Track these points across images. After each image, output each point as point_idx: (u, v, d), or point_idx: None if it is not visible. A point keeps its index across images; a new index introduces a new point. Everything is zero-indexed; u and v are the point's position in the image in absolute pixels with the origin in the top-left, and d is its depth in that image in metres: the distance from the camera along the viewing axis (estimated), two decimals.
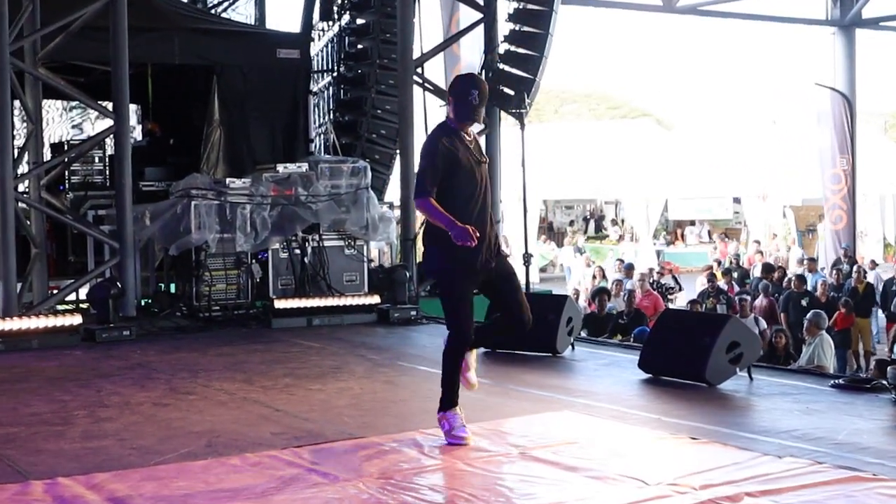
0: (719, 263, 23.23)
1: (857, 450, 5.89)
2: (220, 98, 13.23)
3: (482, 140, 14.65)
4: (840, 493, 5.07)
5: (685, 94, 53.17)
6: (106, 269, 11.29)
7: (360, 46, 15.62)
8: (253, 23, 16.71)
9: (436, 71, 16.21)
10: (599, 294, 15.22)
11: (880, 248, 30.96)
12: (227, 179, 11.94)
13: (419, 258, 13.22)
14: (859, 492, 5.08)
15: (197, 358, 9.40)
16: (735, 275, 20.09)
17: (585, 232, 33.77)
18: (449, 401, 6.12)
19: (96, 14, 11.13)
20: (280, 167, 12.11)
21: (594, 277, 21.20)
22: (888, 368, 7.39)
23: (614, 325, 14.24)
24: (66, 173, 12.94)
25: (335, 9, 15.92)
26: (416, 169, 6.16)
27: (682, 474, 5.32)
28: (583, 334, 11.53)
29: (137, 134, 15.93)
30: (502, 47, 14.48)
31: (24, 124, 12.15)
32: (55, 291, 11.57)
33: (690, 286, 20.34)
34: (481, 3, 14.83)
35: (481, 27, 14.88)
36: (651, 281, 18.40)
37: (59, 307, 11.17)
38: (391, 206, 13.80)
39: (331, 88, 16.48)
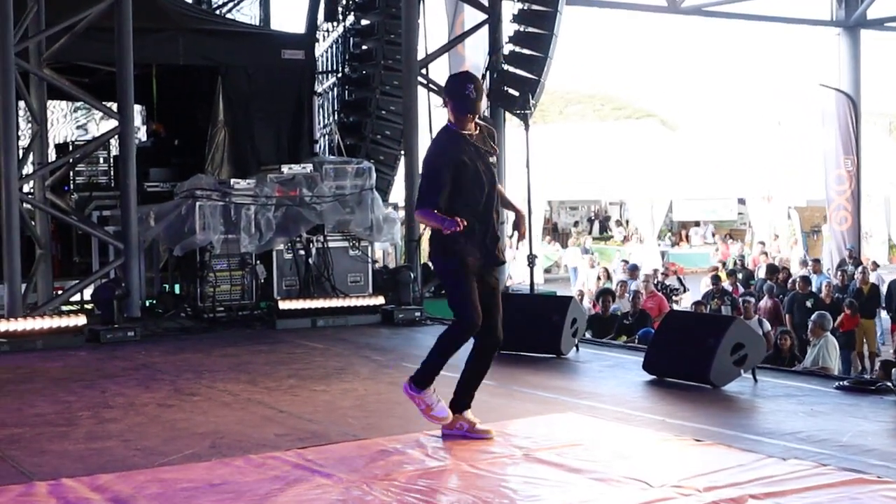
0: (724, 265, 23.21)
1: (862, 452, 5.88)
2: (225, 99, 13.24)
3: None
4: (844, 495, 5.06)
5: (690, 95, 53.18)
6: (111, 269, 11.29)
7: (364, 47, 15.61)
8: (258, 24, 16.70)
9: (440, 72, 16.18)
10: (603, 295, 15.21)
11: (885, 249, 30.94)
12: (232, 180, 11.92)
13: (424, 259, 13.23)
14: (864, 494, 5.07)
15: (201, 359, 9.40)
16: (740, 276, 20.08)
17: (590, 233, 33.74)
18: (424, 381, 6.14)
19: (101, 15, 11.13)
20: (285, 168, 12.09)
21: (599, 279, 21.19)
22: (893, 370, 7.38)
23: (619, 325, 14.23)
24: (71, 174, 12.97)
25: (340, 10, 15.91)
26: (420, 170, 6.12)
27: (687, 476, 5.31)
28: (587, 335, 11.55)
29: (142, 135, 15.94)
30: (507, 48, 14.46)
31: (29, 125, 12.19)
32: (60, 292, 11.59)
33: (695, 287, 20.33)
34: (486, 4, 14.81)
35: (486, 28, 14.85)
36: (656, 282, 18.40)
37: (64, 308, 11.16)
38: (396, 206, 13.79)
39: (335, 89, 16.46)
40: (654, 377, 8.21)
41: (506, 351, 9.26)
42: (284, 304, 11.41)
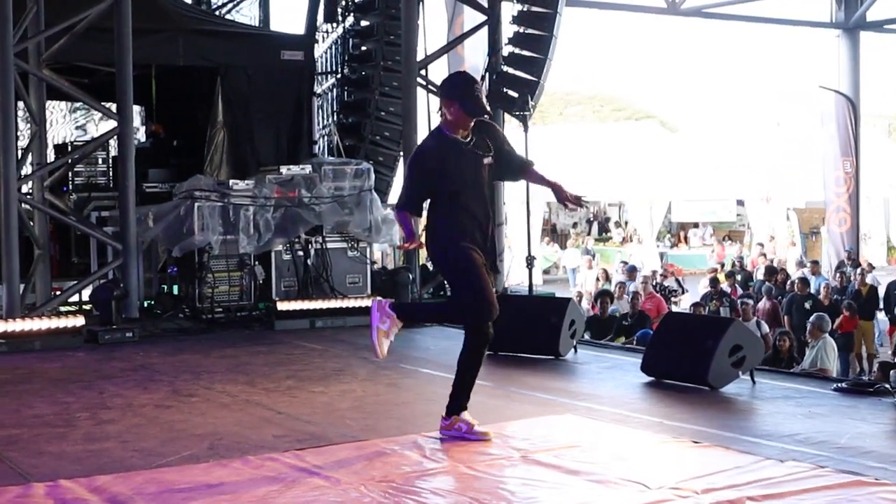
0: (722, 266, 23.22)
1: (860, 454, 5.87)
2: (224, 100, 13.23)
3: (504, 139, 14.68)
4: (842, 497, 5.05)
5: (689, 97, 53.21)
6: (109, 270, 11.28)
7: (364, 48, 15.60)
8: (257, 24, 16.67)
9: (440, 73, 16.17)
10: (602, 296, 15.21)
11: (884, 250, 30.97)
12: (231, 181, 11.91)
13: (423, 260, 13.23)
14: (862, 496, 5.06)
15: (199, 360, 9.37)
16: (738, 277, 20.07)
17: (589, 234, 33.73)
18: (459, 405, 6.15)
19: (100, 15, 11.13)
20: (283, 169, 12.08)
21: (597, 280, 21.19)
22: (891, 372, 7.37)
23: (618, 327, 14.24)
24: (70, 174, 12.97)
25: (339, 11, 15.90)
26: (435, 194, 6.11)
27: (684, 478, 5.30)
28: (585, 337, 11.54)
29: (141, 135, 15.93)
30: (506, 49, 14.43)
31: (28, 125, 12.18)
32: (58, 293, 11.56)
33: (694, 288, 20.34)
34: (485, 5, 14.80)
35: (485, 29, 14.83)
36: (654, 283, 18.41)
37: (62, 309, 11.16)
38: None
39: (335, 90, 16.46)
40: (652, 379, 8.18)
41: (503, 352, 9.29)
42: (283, 305, 11.40)
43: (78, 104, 19.95)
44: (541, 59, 14.02)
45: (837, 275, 18.91)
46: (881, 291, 17.72)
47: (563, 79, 42.93)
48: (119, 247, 11.13)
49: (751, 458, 5.74)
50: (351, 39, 15.79)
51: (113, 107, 11.50)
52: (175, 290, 12.22)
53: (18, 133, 14.30)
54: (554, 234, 34.00)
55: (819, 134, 24.56)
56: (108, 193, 12.84)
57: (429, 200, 6.13)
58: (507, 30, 14.51)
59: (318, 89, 15.76)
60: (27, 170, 11.66)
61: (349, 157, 14.09)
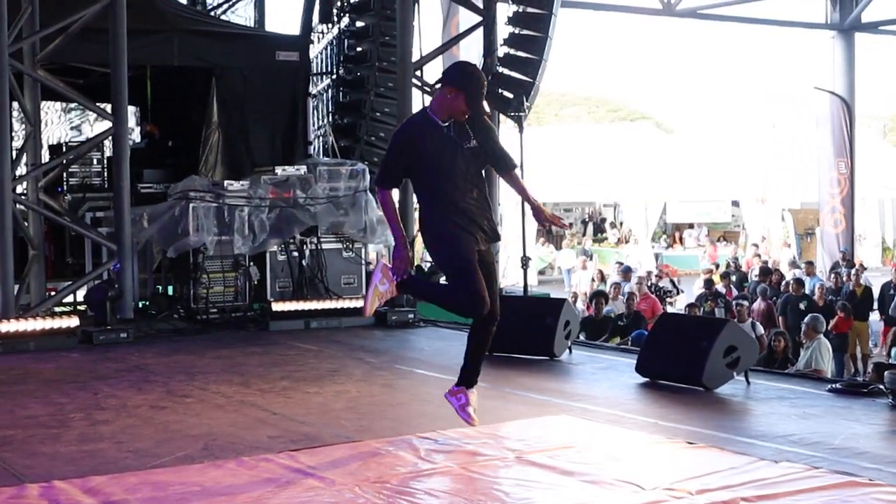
0: (717, 267, 23.23)
1: (854, 455, 5.88)
2: (219, 100, 13.22)
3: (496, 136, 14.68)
4: (836, 498, 5.06)
5: (685, 98, 53.24)
6: (104, 271, 11.25)
7: (359, 49, 15.57)
8: (252, 25, 16.68)
9: (435, 74, 16.17)
10: (596, 297, 15.22)
11: (878, 251, 30.99)
12: (226, 182, 11.90)
13: (417, 261, 13.21)
14: (856, 497, 5.07)
15: (194, 360, 9.35)
16: (733, 278, 20.09)
17: (584, 234, 33.74)
18: (465, 379, 6.26)
19: (95, 16, 11.09)
20: (278, 169, 12.07)
21: (593, 280, 21.19)
22: (885, 373, 7.38)
23: (613, 327, 14.24)
24: (65, 175, 12.94)
25: (335, 11, 15.87)
26: (416, 179, 6.12)
27: (679, 479, 5.31)
28: (581, 337, 11.56)
29: (136, 136, 15.91)
30: (502, 50, 14.44)
31: (23, 126, 12.14)
32: (53, 293, 11.54)
33: (689, 289, 20.35)
34: (481, 6, 14.81)
35: (481, 30, 14.86)
36: (649, 284, 18.41)
37: (57, 309, 11.14)
38: None
39: (330, 91, 16.41)
40: (646, 379, 8.19)
41: (498, 353, 9.29)
42: (278, 306, 11.38)
43: (73, 105, 19.92)
44: (536, 59, 14.04)
45: (832, 276, 18.92)
46: (875, 292, 17.73)
47: (558, 80, 42.98)
48: (114, 247, 11.09)
49: (745, 459, 5.74)
50: (346, 40, 15.74)
51: (108, 107, 11.46)
52: (170, 290, 12.21)
53: (13, 133, 14.26)
54: (549, 234, 33.95)
55: (814, 135, 24.57)
56: (102, 194, 12.80)
57: (414, 195, 6.13)
58: (503, 31, 14.55)
59: (313, 90, 15.71)
60: (22, 170, 11.62)
61: (344, 157, 14.02)
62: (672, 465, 5.69)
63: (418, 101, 14.14)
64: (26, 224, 11.51)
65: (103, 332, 10.32)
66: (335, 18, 15.74)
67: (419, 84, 14.27)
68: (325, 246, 12.20)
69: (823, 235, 24.41)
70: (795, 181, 29.13)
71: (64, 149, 13.95)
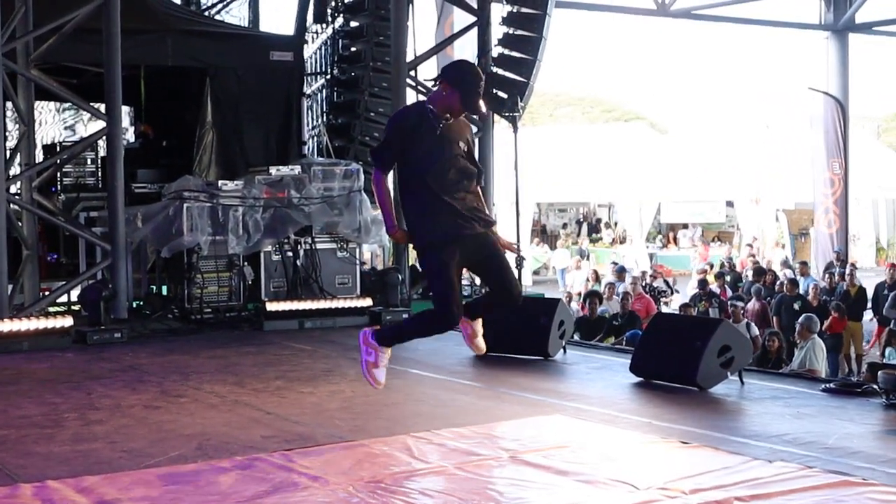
0: (711, 267, 23.24)
1: (848, 454, 5.89)
2: (213, 100, 13.22)
3: (475, 142, 14.70)
4: (830, 497, 5.06)
5: (679, 98, 53.20)
6: (98, 270, 11.25)
7: (353, 49, 15.58)
8: (246, 25, 16.68)
9: (429, 74, 16.18)
10: (590, 297, 15.20)
11: (872, 251, 31.02)
12: (220, 182, 11.89)
13: (412, 261, 13.21)
14: (849, 496, 5.07)
15: (188, 360, 9.33)
16: (728, 278, 20.08)
17: (579, 235, 33.75)
18: (389, 339, 6.36)
19: (89, 16, 11.10)
20: (273, 169, 12.05)
21: (588, 280, 21.19)
22: (879, 373, 7.38)
23: (608, 326, 14.23)
24: (59, 175, 12.95)
25: (329, 11, 15.87)
26: (405, 169, 6.13)
27: (673, 478, 5.30)
28: (575, 337, 11.53)
29: (130, 136, 15.91)
30: (496, 50, 14.44)
31: (17, 126, 12.13)
32: (47, 293, 11.54)
33: (684, 289, 20.35)
34: (475, 6, 14.80)
35: (475, 30, 14.85)
36: (643, 284, 18.42)
37: (51, 309, 11.12)
38: None
39: (324, 91, 16.41)
40: (641, 379, 8.18)
41: (493, 353, 9.27)
42: (272, 306, 11.37)
43: (66, 105, 19.90)
44: (530, 60, 14.05)
45: (826, 276, 18.94)
46: (869, 292, 17.74)
47: (552, 80, 43.00)
48: (108, 247, 11.10)
49: (739, 459, 5.74)
50: (340, 40, 15.75)
51: (102, 107, 11.46)
52: (164, 290, 12.20)
53: (7, 133, 14.25)
54: (543, 234, 34.00)
55: (808, 135, 24.59)
56: (96, 194, 12.80)
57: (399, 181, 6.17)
58: (497, 31, 14.55)
59: (307, 90, 15.72)
60: (15, 170, 11.63)
61: (338, 157, 14.05)
62: (666, 464, 5.68)
63: (412, 101, 14.13)
64: (20, 224, 11.49)
65: (97, 332, 10.29)
66: (329, 18, 15.75)
67: (413, 84, 14.26)
68: (319, 246, 12.18)
69: (817, 236, 24.42)
70: (789, 181, 29.14)
71: (58, 149, 13.94)
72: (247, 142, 13.45)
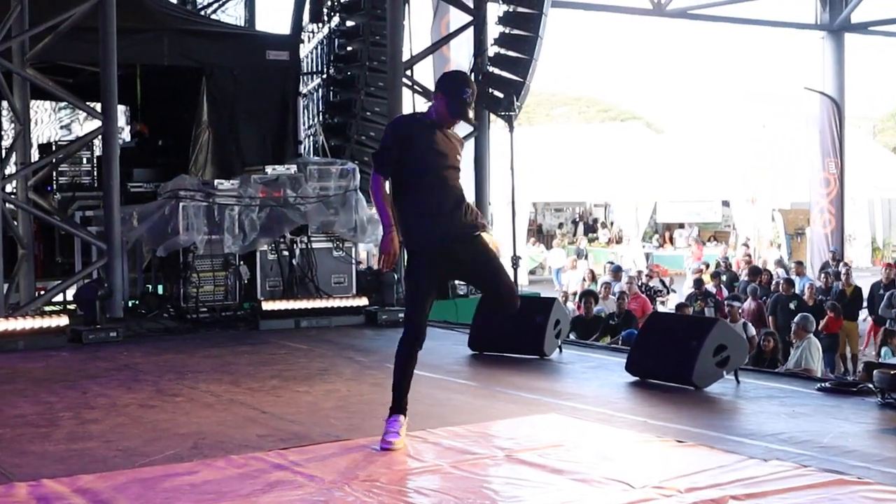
0: (707, 266, 23.26)
1: (843, 453, 5.89)
2: (209, 99, 13.18)
3: (471, 142, 14.71)
4: (825, 496, 5.06)
5: (675, 98, 53.31)
6: (93, 270, 11.22)
7: (349, 48, 15.59)
8: (242, 24, 16.67)
9: (425, 73, 16.20)
10: (586, 296, 15.21)
11: (868, 251, 31.03)
12: (216, 181, 11.85)
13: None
14: (844, 495, 5.07)
15: (184, 359, 9.31)
16: (724, 278, 20.09)
17: (575, 234, 33.75)
18: (393, 405, 6.09)
19: (85, 15, 11.06)
20: (269, 169, 12.04)
21: (584, 280, 21.18)
22: (874, 372, 7.38)
23: (605, 326, 14.23)
24: (54, 174, 12.86)
25: (325, 11, 15.89)
26: (398, 174, 6.13)
27: (668, 477, 5.30)
28: (571, 337, 11.56)
29: (126, 135, 15.89)
30: (492, 50, 14.46)
31: (12, 125, 12.09)
32: (42, 292, 11.50)
33: (680, 289, 20.35)
34: (471, 5, 14.82)
35: (471, 30, 14.86)
36: (639, 284, 18.42)
37: (46, 308, 11.09)
38: None
39: (320, 90, 16.43)
40: (636, 378, 8.16)
41: (488, 352, 9.33)
42: (268, 305, 11.35)
43: (62, 104, 19.87)
44: (526, 59, 14.08)
45: (822, 275, 18.96)
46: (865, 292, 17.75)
47: (549, 80, 43.00)
48: (103, 246, 11.07)
49: (734, 458, 5.74)
50: (336, 39, 15.76)
51: (97, 106, 11.43)
52: (160, 289, 12.18)
53: (2, 132, 14.28)
54: (540, 234, 34.02)
55: (804, 135, 24.61)
56: (92, 193, 12.74)
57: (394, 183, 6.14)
58: (493, 30, 14.59)
59: (303, 89, 15.72)
60: (11, 169, 11.59)
61: (334, 157, 14.03)
62: (661, 463, 5.68)
63: (408, 100, 14.20)
64: (16, 223, 11.46)
65: (93, 331, 10.25)
66: (325, 18, 15.78)
67: (409, 83, 14.28)
68: (315, 245, 12.18)
69: (813, 235, 24.43)
70: (785, 181, 29.15)
71: (53, 148, 13.86)
72: (243, 141, 13.40)
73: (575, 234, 33.68)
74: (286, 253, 12.04)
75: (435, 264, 6.03)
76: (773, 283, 17.78)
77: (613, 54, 57.64)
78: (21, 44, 11.24)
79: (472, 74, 14.48)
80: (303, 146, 14.95)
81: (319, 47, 16.56)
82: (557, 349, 9.42)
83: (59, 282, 11.50)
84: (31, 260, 11.50)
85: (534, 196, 29.47)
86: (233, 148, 13.31)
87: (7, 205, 11.06)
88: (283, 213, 11.88)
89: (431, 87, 14.82)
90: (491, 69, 14.32)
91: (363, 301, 11.85)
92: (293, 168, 12.16)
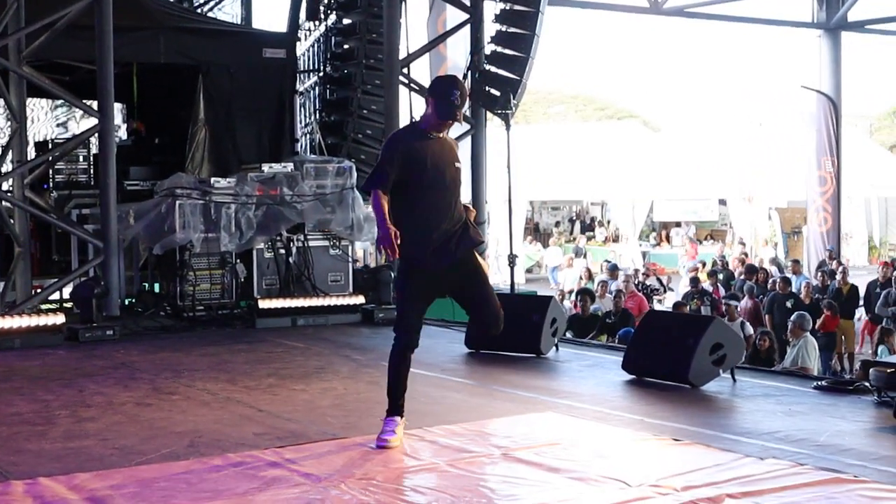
0: (704, 265, 23.26)
1: (839, 451, 5.91)
2: (206, 97, 13.17)
3: (467, 140, 14.71)
4: (821, 494, 5.07)
5: (672, 96, 53.12)
6: (90, 268, 11.20)
7: (346, 46, 15.56)
8: (239, 22, 16.64)
9: (422, 71, 16.20)
10: (582, 295, 15.19)
11: (865, 250, 31.02)
12: (212, 179, 11.82)
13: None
14: (840, 493, 5.08)
15: (180, 358, 9.32)
16: (720, 276, 20.09)
17: (571, 233, 33.73)
18: (389, 406, 6.10)
19: (81, 12, 11.03)
20: (265, 167, 12.01)
21: (581, 279, 21.18)
22: (871, 370, 7.40)
23: (601, 325, 14.22)
24: (51, 172, 12.81)
25: (322, 8, 15.86)
26: (401, 184, 6.10)
27: (665, 476, 5.32)
28: (567, 335, 11.53)
29: (122, 133, 15.87)
30: (489, 48, 14.42)
31: (9, 123, 12.07)
32: (39, 290, 11.47)
33: (677, 288, 20.34)
34: (468, 3, 14.79)
35: (468, 28, 14.82)
36: (636, 282, 18.40)
37: (43, 306, 11.04)
38: None
39: (317, 88, 16.40)
40: (633, 377, 8.20)
41: (485, 350, 9.32)
42: (264, 303, 11.36)
43: (59, 101, 19.83)
44: (523, 57, 14.04)
45: (819, 274, 18.96)
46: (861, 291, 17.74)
47: (545, 78, 42.94)
48: (100, 244, 11.03)
49: (731, 456, 5.74)
50: (333, 37, 15.73)
51: (94, 104, 11.39)
52: (156, 288, 12.14)
53: None
54: (536, 232, 33.99)
55: (801, 133, 24.60)
56: (89, 191, 12.70)
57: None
58: (490, 28, 14.54)
59: (300, 87, 15.71)
60: (7, 167, 11.57)
61: (331, 155, 13.96)
62: (658, 461, 5.69)
63: (405, 98, 14.15)
64: (12, 221, 11.44)
65: (89, 329, 10.24)
66: (322, 16, 15.73)
67: (406, 82, 14.25)
68: (311, 243, 12.14)
69: (810, 234, 24.42)
70: (782, 180, 29.13)
71: (50, 146, 13.81)
72: (239, 139, 13.39)
73: (572, 233, 33.65)
74: (283, 251, 11.99)
75: (429, 276, 6.04)
76: (770, 281, 17.77)
77: (610, 52, 57.63)
78: (17, 41, 11.21)
79: (469, 72, 14.47)
80: (299, 144, 14.96)
81: (316, 45, 16.53)
82: (554, 347, 9.47)
83: (56, 280, 11.44)
84: (27, 258, 11.46)
85: (530, 194, 29.43)
86: (229, 146, 13.29)
87: (3, 203, 11.05)
88: (279, 211, 11.84)
89: (428, 84, 14.84)
90: (488, 67, 14.29)
91: (360, 299, 11.86)
92: (290, 166, 12.12)
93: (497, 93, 13.77)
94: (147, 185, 12.54)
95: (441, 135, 6.11)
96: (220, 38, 13.57)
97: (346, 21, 15.62)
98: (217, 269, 11.75)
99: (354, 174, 12.48)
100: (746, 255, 24.80)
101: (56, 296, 11.62)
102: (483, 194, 15.16)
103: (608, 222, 33.66)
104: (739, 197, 30.41)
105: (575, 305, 15.25)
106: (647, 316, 9.90)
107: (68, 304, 11.40)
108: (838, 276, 17.60)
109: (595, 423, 6.71)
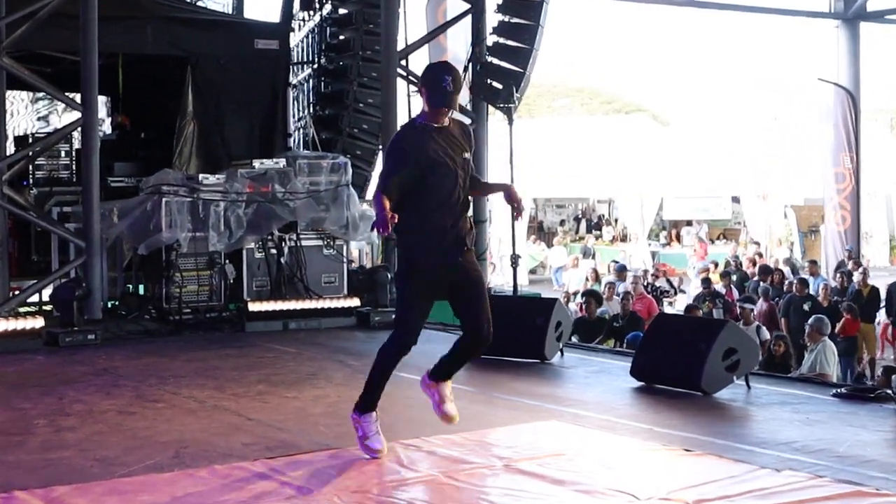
0: (716, 265, 23.02)
1: (860, 463, 5.82)
2: (195, 90, 13.14)
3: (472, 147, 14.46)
4: None
5: (682, 89, 53.22)
6: (71, 268, 11.17)
7: (342, 37, 15.61)
8: (230, 12, 16.79)
9: (421, 63, 15.95)
10: (588, 297, 14.96)
11: (886, 249, 31.00)
12: (201, 175, 11.78)
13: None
14: None
15: (166, 363, 9.26)
16: (734, 277, 19.79)
17: (577, 231, 33.64)
18: (366, 403, 6.01)
19: (65, 1, 10.96)
20: (256, 163, 11.95)
21: (587, 280, 20.91)
22: (893, 377, 7.32)
23: (609, 328, 14.03)
24: (31, 168, 12.79)
25: None
26: (406, 185, 5.86)
27: (675, 488, 5.25)
28: (573, 339, 11.49)
29: (106, 127, 15.92)
30: (491, 39, 14.39)
31: None
32: (17, 292, 11.46)
33: (689, 289, 20.16)
34: None
35: (469, 18, 14.75)
36: (645, 284, 18.17)
37: (21, 309, 11.06)
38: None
39: (311, 81, 16.51)
40: (642, 383, 8.09)
41: (487, 356, 9.07)
42: (254, 306, 11.31)
43: (40, 94, 20.08)
44: (527, 49, 14.02)
45: (837, 275, 18.66)
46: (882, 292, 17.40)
47: (550, 70, 42.91)
48: (82, 244, 11.01)
49: (745, 467, 5.68)
50: (328, 28, 15.84)
51: (77, 97, 11.47)
52: (141, 289, 12.13)
53: None
54: (540, 231, 33.93)
55: (818, 128, 24.42)
56: (70, 188, 12.66)
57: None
58: (492, 19, 14.46)
59: (293, 80, 15.94)
60: None
61: (326, 150, 14.18)
62: (668, 473, 5.64)
63: (403, 91, 14.17)
64: None
65: (70, 333, 10.15)
66: (317, 5, 15.96)
67: (404, 74, 14.20)
68: (304, 243, 12.06)
69: (827, 233, 24.16)
70: (798, 177, 28.99)
71: (30, 140, 13.79)
72: (229, 133, 13.35)
73: (577, 232, 33.59)
74: (274, 251, 11.92)
75: (429, 276, 5.86)
76: (787, 283, 17.49)
77: (618, 44, 57.38)
78: None
79: (470, 64, 14.42)
80: (292, 139, 14.93)
81: (310, 36, 16.63)
82: (559, 352, 9.32)
83: (35, 281, 11.45)
84: (5, 258, 11.43)
85: (534, 192, 29.48)
86: (219, 140, 13.27)
87: None
88: (271, 209, 11.78)
89: None
90: (490, 59, 14.25)
91: (355, 302, 11.82)
92: (282, 162, 12.07)
93: (499, 86, 13.76)
94: (132, 182, 12.55)
95: (443, 124, 5.87)
96: (210, 28, 13.57)
97: (341, 11, 15.72)
98: (205, 270, 11.69)
99: (350, 170, 12.45)
100: (761, 255, 24.63)
101: (35, 298, 11.71)
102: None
103: (615, 221, 33.75)
104: (753, 194, 30.35)
105: (581, 308, 15.13)
106: (656, 319, 9.93)
107: (48, 307, 11.44)
108: (858, 278, 17.29)
109: (602, 432, 6.65)
